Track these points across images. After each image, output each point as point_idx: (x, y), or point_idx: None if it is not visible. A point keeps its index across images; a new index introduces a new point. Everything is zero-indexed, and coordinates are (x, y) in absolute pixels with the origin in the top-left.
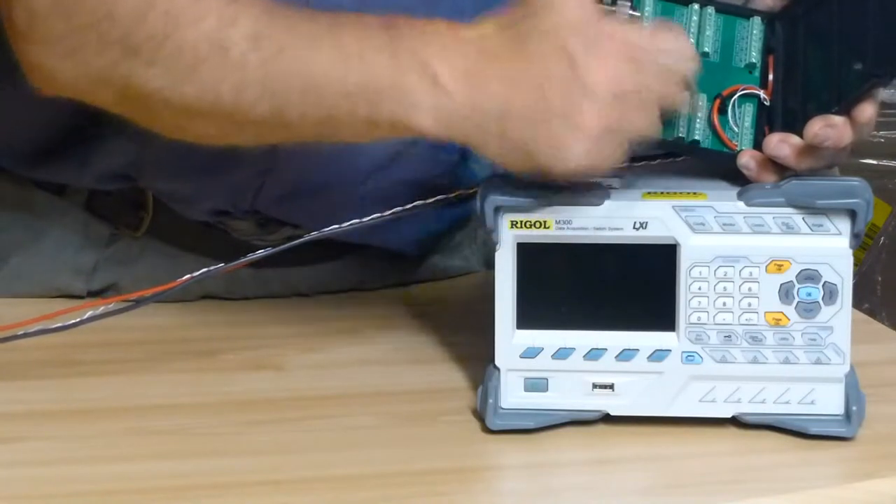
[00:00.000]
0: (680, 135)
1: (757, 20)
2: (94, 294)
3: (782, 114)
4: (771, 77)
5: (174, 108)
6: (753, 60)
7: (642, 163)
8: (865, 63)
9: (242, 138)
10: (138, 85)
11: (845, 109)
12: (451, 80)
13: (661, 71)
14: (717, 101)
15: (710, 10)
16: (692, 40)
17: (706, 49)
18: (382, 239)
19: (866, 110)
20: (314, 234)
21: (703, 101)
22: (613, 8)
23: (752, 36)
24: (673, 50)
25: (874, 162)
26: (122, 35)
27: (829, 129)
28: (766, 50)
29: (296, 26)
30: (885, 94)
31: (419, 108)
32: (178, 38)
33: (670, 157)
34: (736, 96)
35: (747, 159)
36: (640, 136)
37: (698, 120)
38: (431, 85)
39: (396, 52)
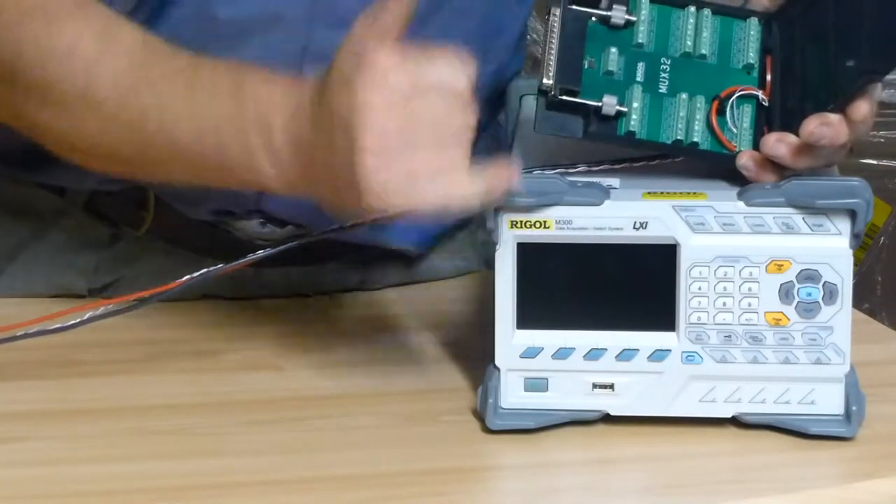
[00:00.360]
0: (678, 137)
1: (754, 21)
2: (95, 293)
3: (780, 114)
4: (769, 77)
5: (56, 142)
6: (751, 61)
7: (641, 163)
8: (859, 60)
9: (128, 174)
10: (27, 118)
11: (840, 107)
12: (283, 140)
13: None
14: (716, 103)
15: (707, 11)
16: (689, 42)
17: (703, 51)
18: (383, 239)
19: (861, 107)
20: (314, 235)
21: (701, 102)
22: (609, 13)
23: (750, 37)
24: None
25: (874, 162)
26: (19, 78)
27: (825, 127)
28: (764, 50)
29: (160, 69)
30: (885, 94)
31: (263, 165)
32: (59, 88)
33: (667, 158)
34: (734, 97)
35: (746, 160)
36: (446, 124)
37: (697, 122)
38: (268, 146)
39: (242, 114)
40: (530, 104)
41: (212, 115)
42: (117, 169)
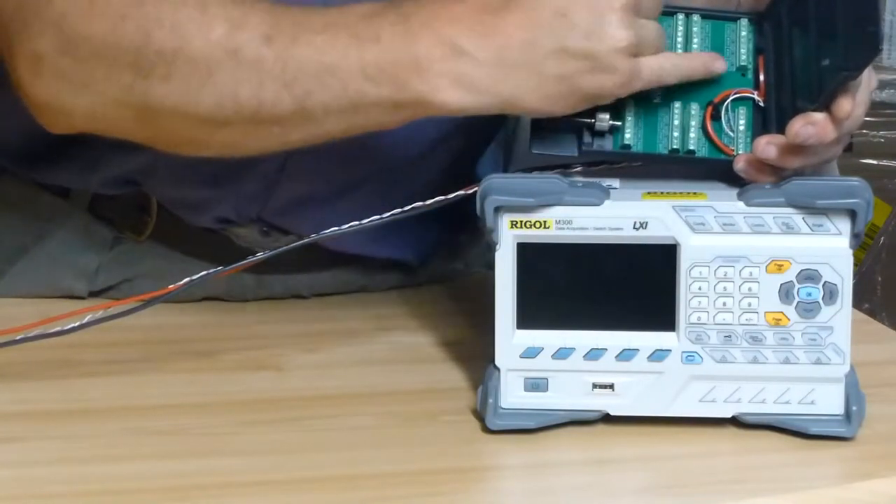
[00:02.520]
0: (674, 146)
1: (744, 22)
2: (95, 296)
3: (776, 113)
4: (762, 78)
5: (195, 121)
6: (744, 63)
7: (641, 163)
8: (834, 58)
9: (268, 142)
10: (156, 104)
11: (823, 105)
12: (469, 41)
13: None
14: (710, 108)
15: (696, 17)
16: (680, 49)
17: None
18: (386, 250)
19: (843, 105)
20: (314, 235)
21: (695, 109)
22: None
23: (741, 38)
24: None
25: (874, 162)
26: (131, 59)
27: (810, 126)
28: (757, 51)
29: (305, 18)
30: (885, 94)
31: (444, 78)
32: (188, 51)
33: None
34: (728, 101)
35: (743, 164)
36: (661, 42)
37: (692, 129)
38: (451, 52)
39: (410, 28)
40: None
41: (371, 26)
42: (273, 139)
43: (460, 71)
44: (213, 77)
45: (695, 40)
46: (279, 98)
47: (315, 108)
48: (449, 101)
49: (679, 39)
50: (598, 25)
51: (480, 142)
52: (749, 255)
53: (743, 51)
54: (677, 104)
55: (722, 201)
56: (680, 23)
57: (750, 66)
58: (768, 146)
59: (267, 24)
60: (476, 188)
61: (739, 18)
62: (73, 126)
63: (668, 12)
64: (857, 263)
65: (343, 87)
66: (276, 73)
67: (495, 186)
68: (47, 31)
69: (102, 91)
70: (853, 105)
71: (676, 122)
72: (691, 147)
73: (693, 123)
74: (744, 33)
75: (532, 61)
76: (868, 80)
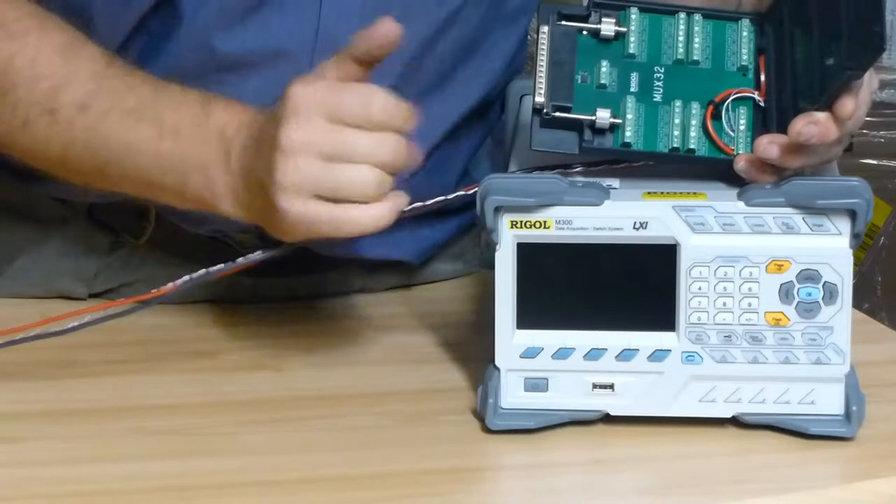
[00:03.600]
0: (675, 145)
1: (745, 22)
2: (94, 297)
3: (777, 113)
4: (763, 78)
5: (15, 151)
6: (745, 63)
7: (641, 163)
8: (838, 57)
9: (73, 181)
10: None
11: (826, 105)
12: (238, 159)
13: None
14: (710, 108)
15: (698, 16)
16: (681, 49)
17: (696, 57)
18: (385, 251)
19: (847, 104)
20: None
21: (696, 108)
22: (598, 26)
23: (742, 38)
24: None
25: (874, 162)
26: None
27: (813, 125)
28: (758, 51)
29: (121, 95)
30: (885, 93)
31: (221, 189)
32: (13, 97)
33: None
34: (728, 100)
35: (743, 164)
36: (359, 191)
37: (692, 128)
38: (226, 164)
39: (207, 130)
40: (530, 104)
41: (175, 118)
42: (76, 180)
43: (231, 185)
44: (28, 126)
45: (696, 39)
46: (82, 160)
47: (113, 176)
48: (226, 208)
49: (681, 39)
50: (276, 165)
51: (473, 144)
52: (749, 255)
53: (744, 51)
54: (678, 103)
55: (722, 201)
56: (681, 22)
57: (751, 66)
58: (770, 146)
59: (86, 92)
60: (476, 188)
61: (741, 18)
62: None
63: (670, 11)
64: (857, 263)
65: (137, 167)
66: (84, 140)
67: (495, 186)
68: None
69: None
70: (856, 105)
71: (677, 121)
72: (692, 146)
73: (693, 122)
74: (745, 33)
75: (258, 190)
76: (869, 80)
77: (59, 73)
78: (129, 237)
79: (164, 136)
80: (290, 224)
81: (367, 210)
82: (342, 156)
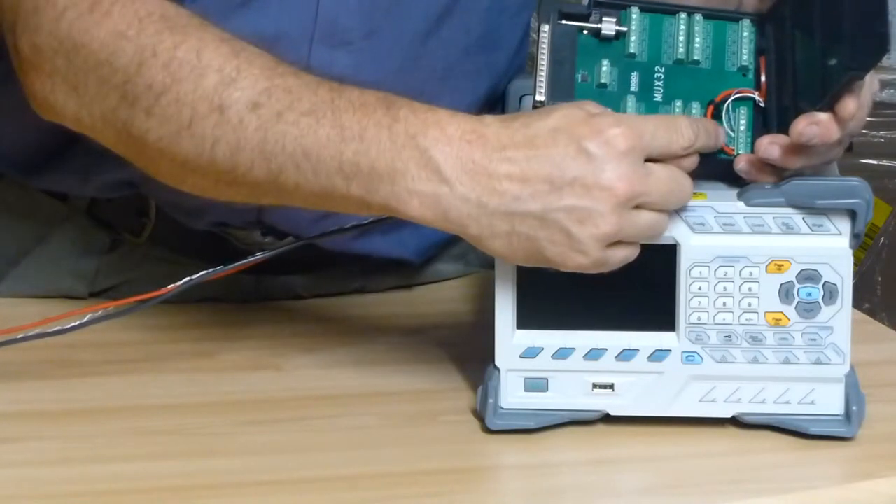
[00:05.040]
0: None
1: (746, 22)
2: (95, 296)
3: (777, 114)
4: (764, 78)
5: (170, 160)
6: (745, 63)
7: None
8: (841, 58)
9: (237, 196)
10: (136, 133)
11: (828, 105)
12: (452, 171)
13: (671, 179)
14: (710, 108)
15: (698, 17)
16: (682, 49)
17: (696, 57)
18: (385, 249)
19: (849, 105)
20: (313, 236)
21: (696, 108)
22: (599, 25)
23: (743, 39)
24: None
25: (874, 162)
26: (121, 82)
27: (814, 126)
28: (758, 52)
29: (297, 90)
30: (885, 93)
31: (416, 197)
32: (175, 93)
33: None
34: (729, 101)
35: (743, 164)
36: (650, 236)
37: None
38: (432, 174)
39: (396, 136)
40: (530, 104)
41: (358, 121)
42: (244, 195)
43: (434, 195)
44: (193, 126)
45: (696, 39)
46: (253, 166)
47: (286, 184)
48: (416, 216)
49: (681, 39)
50: (585, 209)
51: None
52: (749, 255)
53: (744, 51)
54: (678, 103)
55: (722, 201)
56: (682, 22)
57: (751, 67)
58: (771, 146)
59: (258, 89)
60: None
61: (741, 19)
62: (60, 122)
63: (671, 11)
64: (857, 263)
65: (316, 174)
66: (256, 142)
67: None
68: (44, 27)
69: (90, 102)
70: (857, 106)
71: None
72: None
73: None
74: (745, 34)
75: (509, 215)
76: (871, 81)
77: (229, 66)
78: (128, 235)
79: (346, 139)
80: (541, 261)
81: (633, 251)
82: (644, 203)
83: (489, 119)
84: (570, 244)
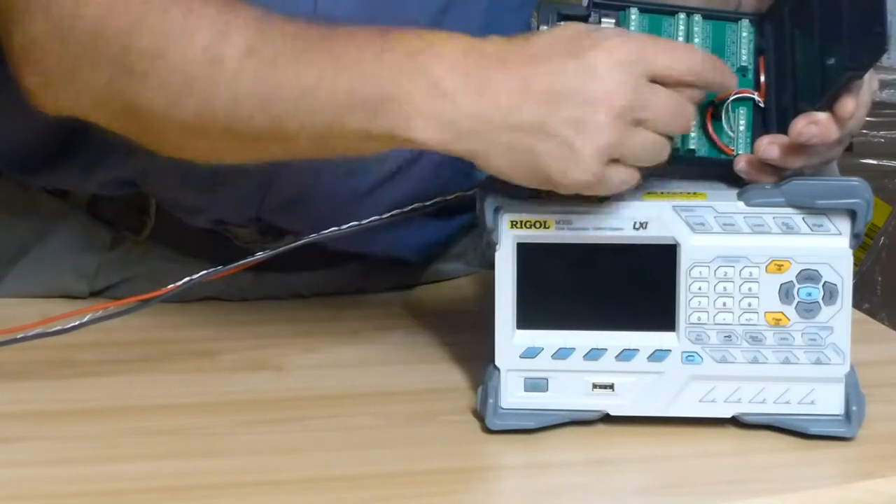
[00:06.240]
0: (674, 145)
1: (745, 22)
2: (95, 295)
3: (776, 114)
4: (763, 78)
5: (172, 125)
6: (744, 63)
7: None
8: (839, 57)
9: (243, 155)
10: (134, 103)
11: (827, 105)
12: (453, 85)
13: (671, 100)
14: (710, 108)
15: (697, 17)
16: None
17: None
18: (385, 248)
19: (847, 105)
20: (313, 235)
21: (695, 109)
22: (598, 25)
23: (742, 39)
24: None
25: (874, 162)
26: (114, 54)
27: (813, 126)
28: (758, 52)
29: (288, 37)
30: (885, 94)
31: (418, 117)
32: (170, 55)
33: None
34: (729, 101)
35: (743, 164)
36: (649, 158)
37: (692, 129)
38: (432, 90)
39: (393, 58)
40: None
41: (353, 50)
42: (247, 153)
43: (437, 111)
44: (192, 85)
45: (695, 40)
46: (254, 115)
47: (289, 129)
48: (421, 138)
49: (680, 39)
50: (585, 118)
51: None
52: (749, 255)
53: (744, 51)
54: None
55: (722, 201)
56: (681, 22)
57: (750, 67)
58: (770, 146)
59: (248, 40)
60: (476, 188)
61: (740, 19)
62: (59, 112)
63: (670, 12)
64: (857, 263)
65: (316, 111)
66: (253, 91)
67: (495, 187)
68: (39, 15)
69: (85, 82)
70: (856, 105)
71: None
72: (691, 146)
73: (693, 123)
74: (744, 34)
75: (510, 127)
76: (870, 81)
77: (219, 21)
78: (129, 233)
79: (343, 70)
80: (556, 173)
81: (632, 175)
82: (643, 120)
83: (493, 38)
84: (570, 156)
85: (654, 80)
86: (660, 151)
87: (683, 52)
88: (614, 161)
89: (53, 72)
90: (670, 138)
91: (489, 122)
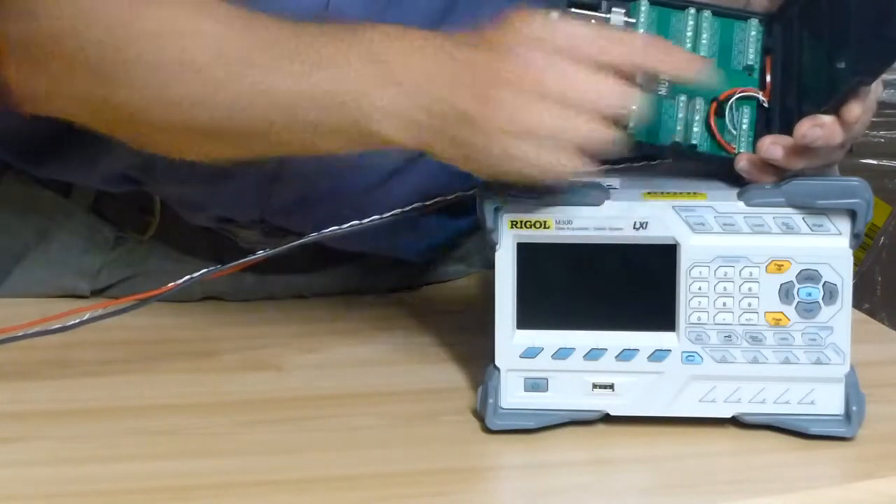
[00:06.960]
0: (677, 139)
1: (754, 22)
2: (97, 295)
3: (780, 115)
4: (769, 78)
5: (153, 127)
6: (751, 62)
7: (642, 163)
8: (849, 62)
9: (225, 151)
10: (114, 107)
11: (833, 108)
12: (405, 74)
13: (586, 76)
14: (714, 105)
15: (707, 13)
16: (688, 45)
17: (703, 53)
18: (387, 248)
19: (854, 109)
20: (313, 235)
21: (700, 104)
22: (608, 15)
23: (750, 38)
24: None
25: (874, 162)
26: (94, 61)
27: (818, 128)
28: (765, 51)
29: (258, 38)
30: (885, 94)
31: (380, 112)
32: (147, 61)
33: (667, 159)
34: (733, 99)
35: (744, 163)
36: (590, 142)
37: (695, 124)
38: (386, 80)
39: (356, 54)
40: None
41: (321, 55)
42: (219, 148)
43: (394, 107)
44: (168, 89)
45: (703, 36)
46: (230, 117)
47: (263, 129)
48: (385, 135)
49: (689, 35)
50: (506, 104)
51: None
52: (749, 255)
53: (751, 50)
54: (683, 97)
55: (722, 201)
56: (690, 18)
57: (757, 66)
58: (773, 146)
59: (220, 45)
60: (476, 188)
61: (750, 18)
62: (42, 112)
63: (680, 6)
64: (857, 263)
65: (289, 113)
66: (228, 94)
67: (495, 187)
68: (13, 14)
69: (66, 85)
70: (863, 110)
71: (681, 115)
72: (693, 141)
73: (697, 118)
74: (753, 33)
75: (452, 120)
76: (876, 85)
77: (192, 22)
78: (133, 232)
79: (314, 68)
80: (493, 161)
81: (571, 159)
82: (565, 99)
83: (449, 34)
84: (504, 146)
85: (599, 68)
86: (599, 136)
87: (607, 35)
88: (553, 146)
89: (34, 74)
90: (626, 127)
91: (436, 116)
